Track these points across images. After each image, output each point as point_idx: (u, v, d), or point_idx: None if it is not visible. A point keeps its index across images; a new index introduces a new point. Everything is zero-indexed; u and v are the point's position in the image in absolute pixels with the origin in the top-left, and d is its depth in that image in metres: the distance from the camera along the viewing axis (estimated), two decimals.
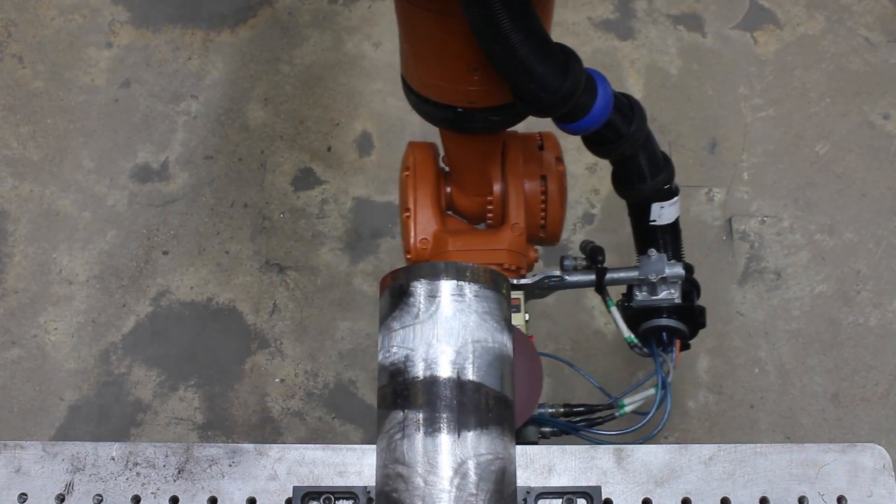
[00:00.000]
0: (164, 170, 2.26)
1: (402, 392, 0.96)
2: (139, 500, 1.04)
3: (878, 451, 1.07)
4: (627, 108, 1.20)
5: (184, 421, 1.98)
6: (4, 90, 2.37)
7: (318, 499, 1.03)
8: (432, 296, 0.99)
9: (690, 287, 1.34)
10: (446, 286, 0.99)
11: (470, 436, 0.93)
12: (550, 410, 1.33)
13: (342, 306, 2.09)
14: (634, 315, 1.33)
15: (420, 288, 0.99)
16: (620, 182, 1.31)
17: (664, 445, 1.08)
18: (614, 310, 1.33)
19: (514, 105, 1.16)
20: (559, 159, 1.47)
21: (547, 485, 1.04)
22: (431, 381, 0.95)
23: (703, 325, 1.35)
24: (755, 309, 2.09)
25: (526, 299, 1.35)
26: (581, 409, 1.36)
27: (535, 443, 1.28)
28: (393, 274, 1.03)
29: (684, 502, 1.04)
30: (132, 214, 2.21)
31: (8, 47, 2.43)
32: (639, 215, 1.34)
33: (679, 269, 1.30)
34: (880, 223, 2.19)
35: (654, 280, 1.30)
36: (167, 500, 1.04)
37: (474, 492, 0.91)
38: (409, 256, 1.43)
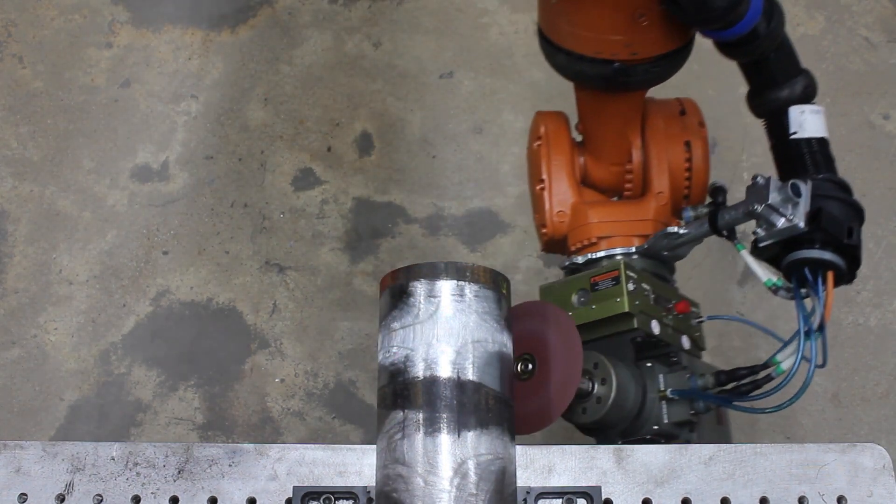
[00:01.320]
0: (164, 170, 2.26)
1: (402, 392, 0.96)
2: (139, 500, 1.04)
3: (878, 451, 1.07)
4: (767, 3, 1.15)
5: (184, 421, 1.98)
6: (4, 90, 2.37)
7: (318, 499, 1.03)
8: (432, 296, 0.99)
9: (826, 209, 1.12)
10: (446, 286, 0.99)
11: (470, 436, 0.94)
12: (700, 383, 1.23)
13: (342, 306, 2.09)
14: (764, 254, 1.17)
15: (420, 288, 0.99)
16: (754, 94, 1.22)
17: (664, 445, 1.08)
18: (744, 253, 1.18)
19: (673, 54, 1.15)
20: (701, 123, 1.40)
21: (547, 485, 1.04)
22: (431, 381, 0.95)
23: (852, 250, 1.12)
24: (755, 309, 2.09)
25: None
26: (741, 372, 1.22)
27: (690, 422, 1.24)
28: (393, 274, 1.03)
29: (684, 502, 1.04)
30: (132, 214, 2.21)
31: (8, 47, 2.43)
32: (778, 133, 1.21)
33: (797, 189, 1.09)
34: (880, 223, 2.19)
35: (759, 210, 1.12)
36: (167, 500, 1.04)
37: (474, 492, 0.91)
38: (544, 231, 1.37)
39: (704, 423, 1.24)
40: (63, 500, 1.04)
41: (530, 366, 1.04)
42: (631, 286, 1.19)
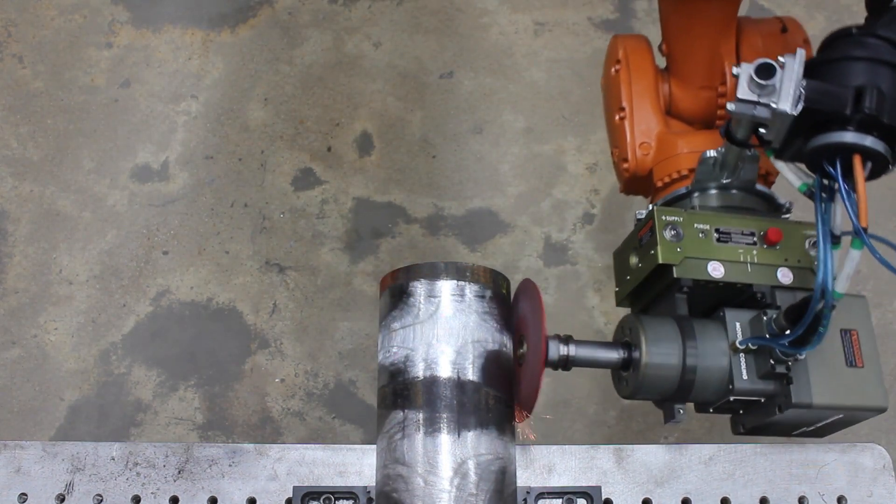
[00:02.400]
0: (164, 170, 2.26)
1: (402, 392, 0.96)
2: (139, 500, 1.04)
3: (878, 451, 1.07)
4: None
5: (184, 421, 1.98)
6: (4, 90, 2.37)
7: (318, 499, 1.03)
8: (432, 296, 0.99)
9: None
10: (446, 286, 0.99)
11: (470, 436, 0.94)
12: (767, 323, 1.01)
13: (342, 306, 2.09)
14: (787, 155, 0.99)
15: (420, 288, 0.99)
16: None
17: (664, 445, 1.08)
18: (773, 159, 1.00)
19: None
20: (806, 41, 1.20)
21: (547, 485, 1.04)
22: (431, 381, 0.95)
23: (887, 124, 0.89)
24: None
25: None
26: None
27: (779, 375, 1.00)
28: (393, 274, 1.03)
29: (684, 502, 1.04)
30: (132, 214, 2.21)
31: (8, 47, 2.43)
32: None
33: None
34: (880, 223, 2.19)
35: (734, 109, 0.91)
36: (167, 500, 1.04)
37: (474, 492, 0.91)
38: (626, 166, 1.20)
39: (820, 366, 1.00)
40: (63, 500, 1.04)
41: (522, 348, 1.02)
42: (670, 233, 1.05)
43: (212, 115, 2.33)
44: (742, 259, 1.05)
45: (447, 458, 0.92)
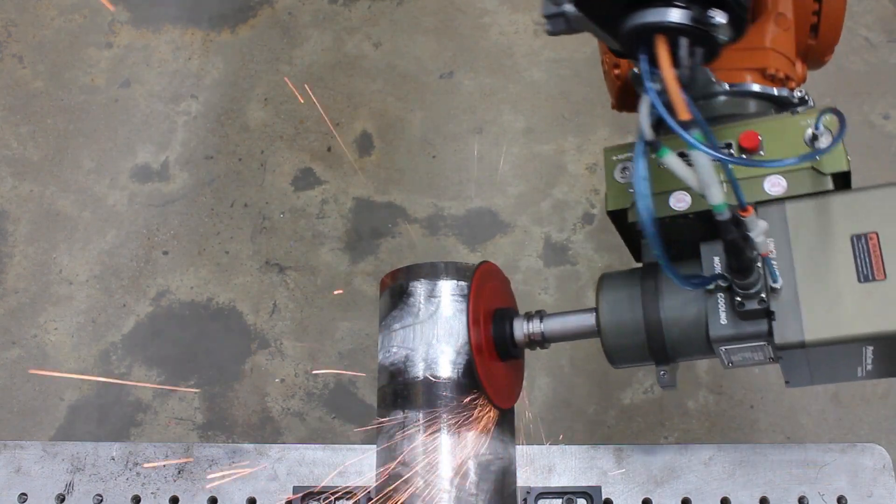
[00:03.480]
0: (164, 170, 2.26)
1: (402, 392, 0.96)
2: (139, 500, 1.04)
3: (878, 451, 1.07)
4: None
5: (184, 421, 1.98)
6: (4, 90, 2.37)
7: (318, 499, 1.03)
8: (432, 296, 0.99)
9: None
10: (446, 286, 0.99)
11: (470, 436, 0.93)
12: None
13: (342, 306, 2.09)
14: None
15: (420, 288, 0.99)
16: None
17: (664, 445, 1.08)
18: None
19: None
20: None
21: (547, 485, 1.04)
22: (431, 382, 0.95)
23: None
24: None
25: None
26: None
27: (756, 311, 0.83)
28: (393, 274, 1.03)
29: (684, 502, 1.04)
30: (132, 214, 2.21)
31: (8, 47, 2.43)
32: None
33: None
34: None
35: None
36: (167, 500, 1.04)
37: (474, 492, 0.91)
38: (617, 72, 1.05)
39: (819, 290, 0.81)
40: (63, 500, 1.04)
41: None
42: (621, 174, 0.92)
43: (212, 115, 2.33)
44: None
45: (447, 458, 0.92)
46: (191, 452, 1.04)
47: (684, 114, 0.71)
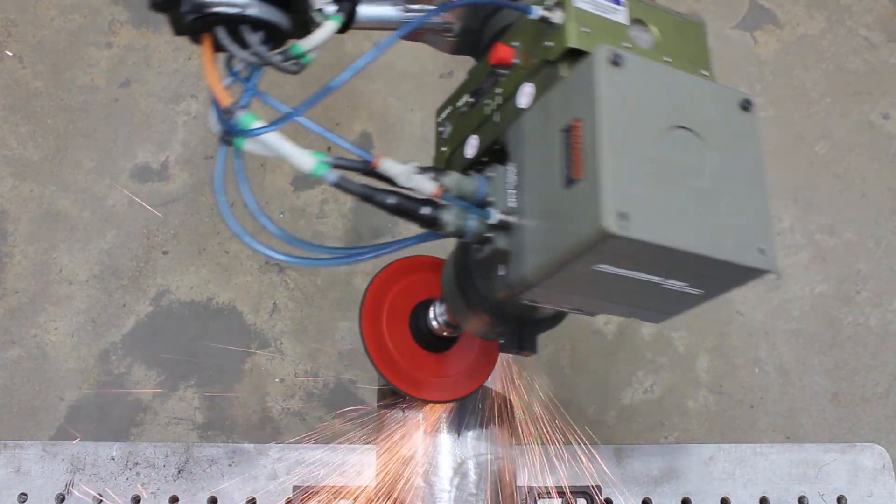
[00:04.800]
0: (164, 170, 2.26)
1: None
2: (139, 500, 1.04)
3: (878, 451, 1.07)
4: None
5: (184, 421, 1.98)
6: (4, 90, 2.36)
7: (318, 499, 1.03)
8: None
9: None
10: None
11: (470, 436, 0.94)
12: None
13: (342, 306, 2.09)
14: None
15: None
16: None
17: (664, 445, 1.08)
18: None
19: None
20: None
21: (547, 485, 1.04)
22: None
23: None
24: (755, 309, 2.09)
25: None
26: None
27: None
28: None
29: (684, 502, 1.04)
30: (132, 214, 2.21)
31: (8, 47, 2.43)
32: None
33: None
34: (880, 223, 2.19)
35: None
36: (167, 500, 1.04)
37: (474, 492, 0.91)
38: None
39: (536, 211, 0.67)
40: (63, 500, 1.04)
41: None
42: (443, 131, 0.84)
43: None
44: (487, 113, 0.78)
45: (447, 458, 0.92)
46: (191, 452, 1.04)
47: (224, 101, 0.71)
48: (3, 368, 2.03)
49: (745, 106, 0.67)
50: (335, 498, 1.02)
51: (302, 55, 0.76)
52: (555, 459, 1.05)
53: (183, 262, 2.15)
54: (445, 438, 0.92)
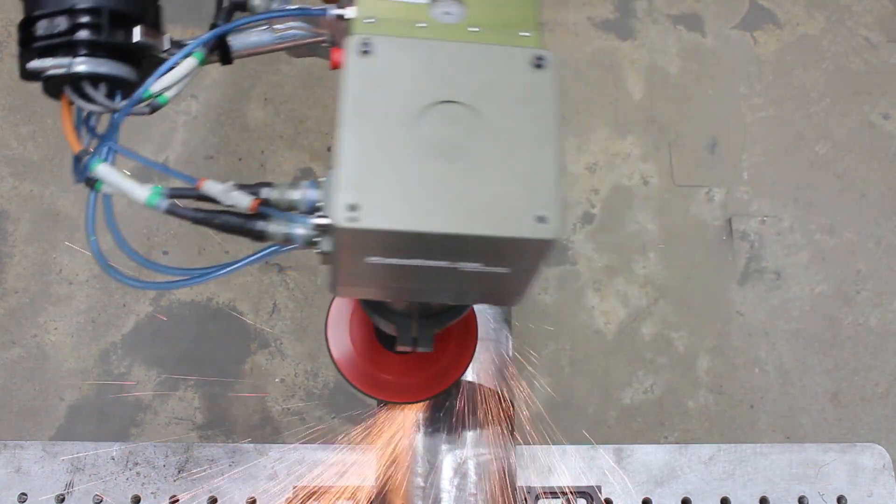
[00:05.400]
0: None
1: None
2: (139, 500, 1.04)
3: (878, 451, 1.07)
4: None
5: (184, 421, 1.98)
6: (4, 90, 2.36)
7: (318, 499, 1.03)
8: None
9: None
10: None
11: (470, 436, 0.94)
12: None
13: None
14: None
15: None
16: None
17: (664, 445, 1.08)
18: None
19: None
20: None
21: (547, 485, 1.04)
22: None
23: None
24: (755, 309, 2.09)
25: None
26: None
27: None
28: None
29: (684, 502, 1.04)
30: (132, 214, 2.21)
31: (8, 47, 2.43)
32: None
33: None
34: (880, 223, 2.19)
35: None
36: (167, 500, 1.04)
37: (474, 492, 0.91)
38: None
39: None
40: (63, 500, 1.04)
41: None
42: None
43: (212, 115, 2.33)
44: None
45: (447, 458, 0.92)
46: (191, 452, 1.04)
47: (74, 147, 0.80)
48: (3, 368, 2.03)
49: (539, 63, 0.64)
50: (335, 498, 1.02)
51: (151, 97, 0.79)
52: (555, 459, 1.05)
53: (183, 262, 2.15)
54: (445, 438, 0.92)
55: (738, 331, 2.06)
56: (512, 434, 0.99)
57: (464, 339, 0.92)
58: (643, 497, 1.04)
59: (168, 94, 0.80)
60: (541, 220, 0.57)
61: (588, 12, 2.45)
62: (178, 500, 1.03)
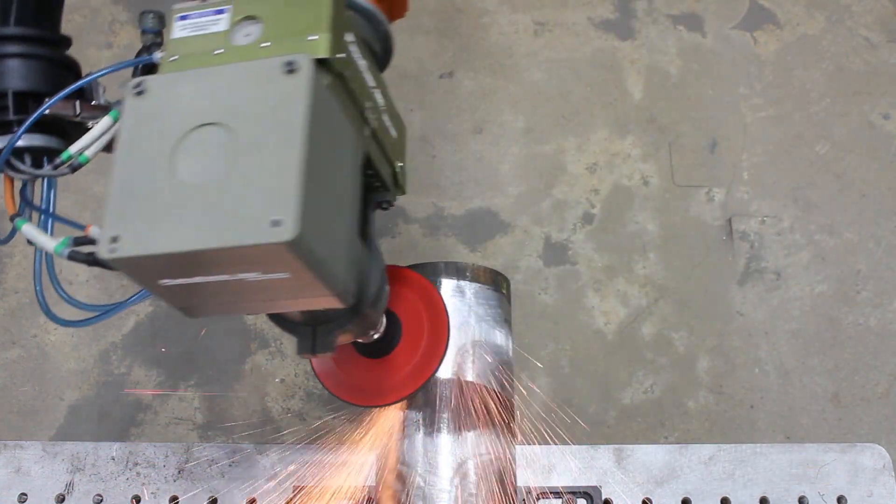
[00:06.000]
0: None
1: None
2: (139, 500, 1.04)
3: (878, 451, 1.07)
4: None
5: (184, 421, 1.98)
6: None
7: (318, 499, 1.03)
8: None
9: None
10: (446, 285, 0.99)
11: (470, 436, 0.94)
12: None
13: None
14: None
15: None
16: None
17: (664, 445, 1.08)
18: None
19: None
20: None
21: (547, 485, 1.04)
22: (431, 382, 0.95)
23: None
24: (755, 309, 2.09)
25: None
26: None
27: None
28: None
29: (684, 502, 1.04)
30: None
31: None
32: None
33: None
34: (880, 223, 2.19)
35: None
36: (167, 500, 1.04)
37: (474, 492, 0.91)
38: None
39: None
40: (63, 500, 1.04)
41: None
42: None
43: None
44: None
45: (447, 458, 0.92)
46: (191, 452, 1.04)
47: (10, 211, 0.89)
48: (3, 368, 2.03)
49: (290, 69, 0.65)
50: (335, 498, 1.02)
51: (71, 158, 0.88)
52: (555, 459, 1.05)
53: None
54: (445, 438, 0.92)
55: (738, 331, 2.06)
56: (512, 434, 0.99)
57: (434, 340, 0.94)
58: (643, 497, 1.04)
59: (88, 154, 0.88)
60: (275, 223, 0.58)
61: (588, 12, 2.45)
62: (178, 500, 1.03)
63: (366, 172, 0.81)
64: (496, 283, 1.03)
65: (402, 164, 0.89)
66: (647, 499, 1.03)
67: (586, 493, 1.03)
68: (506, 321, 1.03)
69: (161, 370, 2.03)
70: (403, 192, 0.89)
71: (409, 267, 1.01)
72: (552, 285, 2.10)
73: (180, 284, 0.63)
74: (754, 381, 2.01)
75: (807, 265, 2.14)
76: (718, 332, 2.05)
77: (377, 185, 0.86)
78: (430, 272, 1.00)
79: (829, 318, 2.08)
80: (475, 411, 0.95)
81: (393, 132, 0.87)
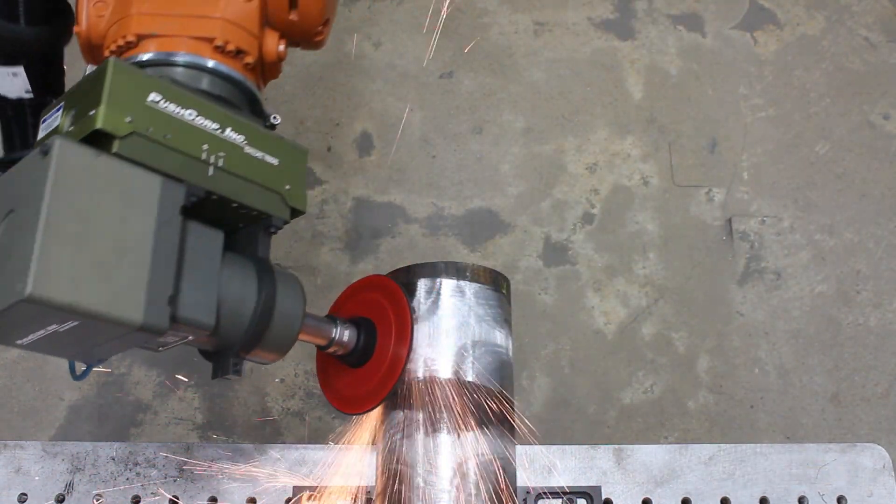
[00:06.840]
0: None
1: (402, 392, 0.96)
2: (139, 500, 1.04)
3: (878, 451, 1.07)
4: None
5: (184, 421, 1.98)
6: None
7: (318, 499, 1.03)
8: (432, 295, 0.99)
9: None
10: (446, 285, 0.99)
11: (470, 436, 0.93)
12: None
13: None
14: None
15: (420, 288, 0.99)
16: None
17: (664, 445, 1.08)
18: None
19: None
20: None
21: (547, 485, 1.04)
22: (431, 382, 0.95)
23: None
24: (755, 309, 2.09)
25: None
26: None
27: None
28: (393, 274, 1.03)
29: (684, 502, 1.04)
30: None
31: None
32: None
33: None
34: (880, 223, 2.19)
35: None
36: (167, 501, 1.04)
37: (474, 492, 0.91)
38: (78, 31, 1.01)
39: None
40: (63, 500, 1.04)
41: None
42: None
43: None
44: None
45: (447, 458, 0.92)
46: (191, 452, 1.04)
47: None
48: (3, 368, 2.03)
49: (45, 151, 0.73)
50: (335, 498, 1.02)
51: None
52: (555, 459, 1.05)
53: None
54: (445, 438, 0.92)
55: (738, 331, 2.06)
56: (512, 434, 0.99)
57: (399, 346, 0.96)
58: (643, 497, 1.04)
59: None
60: (21, 285, 0.68)
61: (588, 12, 2.45)
62: (178, 500, 1.03)
63: (230, 205, 0.86)
64: (496, 283, 1.03)
65: (290, 186, 0.91)
66: (647, 499, 1.03)
67: (586, 493, 1.03)
68: (506, 321, 1.03)
69: (161, 370, 2.03)
70: (303, 212, 0.93)
71: (409, 267, 1.01)
72: (552, 285, 2.10)
73: (33, 340, 0.75)
74: (754, 381, 2.01)
75: (807, 265, 2.14)
76: (718, 332, 2.05)
77: (254, 214, 0.89)
78: (430, 272, 1.00)
79: (829, 318, 2.09)
80: (475, 411, 0.95)
81: (271, 160, 0.90)
